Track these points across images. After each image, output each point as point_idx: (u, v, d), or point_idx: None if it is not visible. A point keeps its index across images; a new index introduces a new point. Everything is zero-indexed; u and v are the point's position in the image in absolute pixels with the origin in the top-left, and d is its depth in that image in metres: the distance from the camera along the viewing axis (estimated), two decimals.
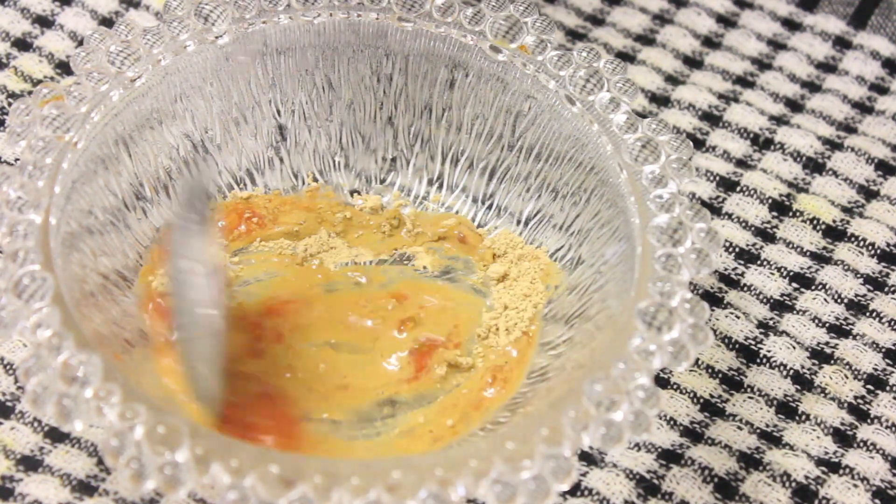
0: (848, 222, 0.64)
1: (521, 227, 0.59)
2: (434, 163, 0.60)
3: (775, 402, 0.58)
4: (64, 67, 0.65)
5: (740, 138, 0.66)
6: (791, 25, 0.71)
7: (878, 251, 0.63)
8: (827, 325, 0.60)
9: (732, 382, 0.58)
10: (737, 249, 0.62)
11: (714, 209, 0.63)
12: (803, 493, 0.55)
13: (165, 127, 0.56)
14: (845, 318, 0.61)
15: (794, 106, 0.67)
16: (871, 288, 0.62)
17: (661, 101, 0.67)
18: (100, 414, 0.45)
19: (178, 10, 0.55)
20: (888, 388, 0.59)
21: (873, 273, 0.62)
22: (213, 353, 0.51)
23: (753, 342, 0.59)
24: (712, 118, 0.66)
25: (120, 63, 0.54)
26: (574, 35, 0.69)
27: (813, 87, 0.68)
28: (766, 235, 0.63)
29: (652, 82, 0.68)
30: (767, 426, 0.57)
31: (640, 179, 0.53)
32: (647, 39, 0.69)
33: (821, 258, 0.62)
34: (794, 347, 0.59)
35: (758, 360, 0.59)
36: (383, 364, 0.55)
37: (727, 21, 0.70)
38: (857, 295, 0.61)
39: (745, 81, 0.68)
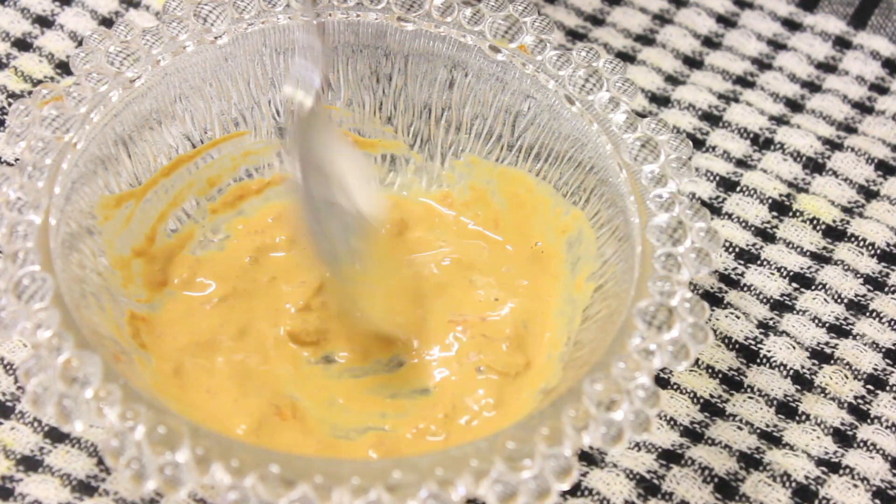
0: (848, 222, 0.64)
1: None
2: (433, 162, 0.60)
3: (775, 402, 0.58)
4: (64, 67, 0.65)
5: (740, 138, 0.66)
6: (791, 25, 0.71)
7: (878, 251, 0.63)
8: (827, 325, 0.60)
9: (732, 382, 0.58)
10: (737, 249, 0.62)
11: (714, 209, 0.63)
12: (803, 494, 0.55)
13: (165, 127, 0.56)
14: (845, 318, 0.61)
15: (794, 106, 0.67)
16: (871, 288, 0.62)
17: (661, 101, 0.67)
18: (100, 414, 0.45)
19: (177, 11, 0.55)
20: (888, 388, 0.59)
21: (873, 273, 0.62)
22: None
23: (753, 342, 0.59)
24: (712, 118, 0.67)
25: (119, 63, 0.54)
26: (574, 35, 0.69)
27: (813, 87, 0.68)
28: (766, 235, 0.63)
29: (652, 82, 0.68)
30: (767, 426, 0.57)
31: (640, 179, 0.53)
32: (647, 39, 0.69)
33: (821, 258, 0.62)
34: (794, 347, 0.59)
35: (758, 360, 0.59)
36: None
37: (727, 21, 0.70)
38: (857, 295, 0.61)
39: (745, 81, 0.68)
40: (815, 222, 0.63)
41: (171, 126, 0.56)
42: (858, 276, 0.62)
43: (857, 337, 0.60)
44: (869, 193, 0.65)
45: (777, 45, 0.70)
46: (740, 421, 0.57)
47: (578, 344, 0.54)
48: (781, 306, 0.61)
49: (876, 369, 0.59)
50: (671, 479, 0.55)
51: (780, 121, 0.67)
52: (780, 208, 0.64)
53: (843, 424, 0.57)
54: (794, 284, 0.61)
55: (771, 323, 0.60)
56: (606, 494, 0.55)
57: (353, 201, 0.54)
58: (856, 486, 0.56)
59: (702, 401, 0.58)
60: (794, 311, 0.61)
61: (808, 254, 0.62)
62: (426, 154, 0.60)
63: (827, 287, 0.61)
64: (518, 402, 0.54)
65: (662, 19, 0.70)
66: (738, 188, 0.64)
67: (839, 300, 0.61)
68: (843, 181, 0.65)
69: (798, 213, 0.64)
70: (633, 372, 0.47)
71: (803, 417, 0.58)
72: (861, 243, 0.63)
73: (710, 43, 0.70)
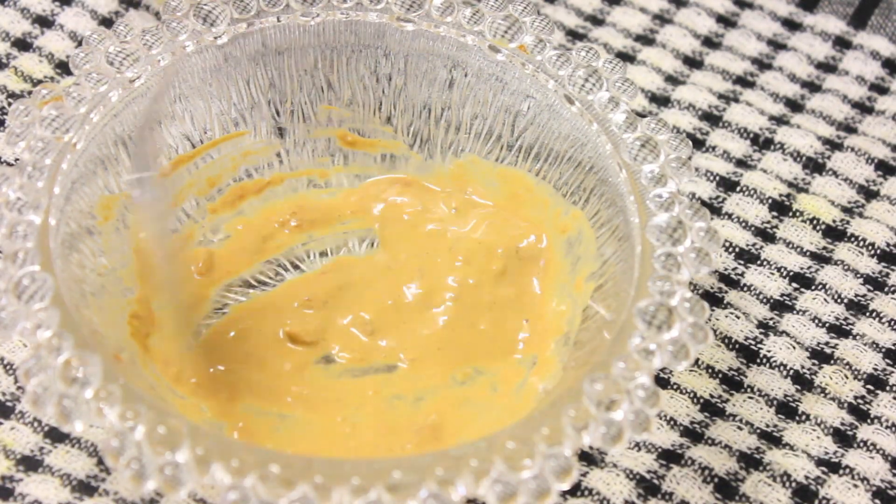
0: (848, 222, 0.64)
1: None
2: (433, 162, 0.60)
3: (775, 402, 0.58)
4: (64, 67, 0.65)
5: (740, 138, 0.66)
6: (791, 25, 0.71)
7: (878, 251, 0.63)
8: (827, 325, 0.60)
9: (732, 382, 0.58)
10: (737, 249, 0.62)
11: (714, 209, 0.63)
12: (803, 493, 0.55)
13: (164, 127, 0.56)
14: (845, 318, 0.61)
15: (794, 106, 0.67)
16: (871, 288, 0.62)
17: (660, 101, 0.67)
18: (100, 414, 0.45)
19: (177, 11, 0.55)
20: (888, 388, 0.59)
21: (873, 273, 0.62)
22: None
23: (753, 342, 0.59)
24: (712, 118, 0.66)
25: (119, 63, 0.54)
26: (574, 35, 0.69)
27: (813, 87, 0.68)
28: (766, 235, 0.63)
29: (652, 82, 0.68)
30: (767, 426, 0.57)
31: (640, 178, 0.53)
32: (647, 39, 0.69)
33: (821, 258, 0.62)
34: (794, 347, 0.59)
35: (758, 360, 0.59)
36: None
37: (727, 21, 0.70)
38: (857, 295, 0.61)
39: (745, 81, 0.68)
40: (815, 222, 0.63)
41: (171, 126, 0.56)
42: (858, 276, 0.62)
43: (857, 337, 0.60)
44: (869, 193, 0.65)
45: (777, 45, 0.70)
46: (740, 421, 0.57)
47: (578, 344, 0.53)
48: (781, 306, 0.61)
49: (876, 369, 0.59)
50: (671, 479, 0.55)
51: (779, 121, 0.67)
52: (780, 208, 0.64)
53: (843, 424, 0.57)
54: (794, 284, 0.61)
55: (771, 323, 0.60)
56: (606, 494, 0.55)
57: None
58: (856, 486, 0.56)
59: (702, 401, 0.58)
60: (794, 311, 0.61)
61: (808, 254, 0.62)
62: (426, 154, 0.60)
63: (827, 287, 0.61)
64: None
65: (662, 19, 0.70)
66: (738, 188, 0.64)
67: (839, 300, 0.61)
68: (843, 181, 0.65)
69: (798, 213, 0.64)
70: (633, 372, 0.47)
71: (803, 417, 0.58)
72: (861, 243, 0.63)
73: (710, 43, 0.70)
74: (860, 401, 0.58)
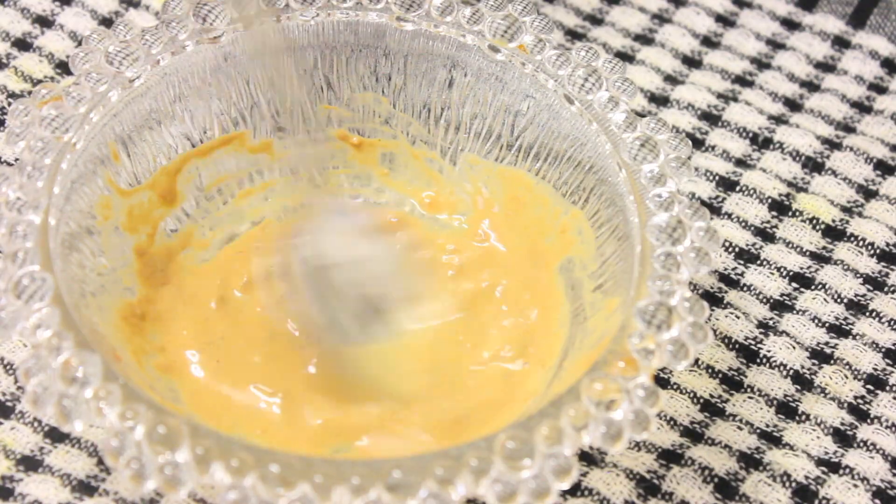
0: (847, 222, 0.64)
1: None
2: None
3: (775, 402, 0.58)
4: (64, 67, 0.65)
5: (739, 138, 0.66)
6: (790, 25, 0.71)
7: (878, 251, 0.63)
8: (827, 325, 0.60)
9: (732, 382, 0.58)
10: (736, 249, 0.62)
11: (714, 209, 0.63)
12: (803, 493, 0.55)
13: (164, 127, 0.56)
14: (845, 318, 0.61)
15: (793, 105, 0.67)
16: (870, 288, 0.62)
17: (660, 100, 0.67)
18: (100, 414, 0.45)
19: (176, 10, 0.55)
20: (888, 388, 0.59)
21: (873, 273, 0.62)
22: None
23: (753, 342, 0.59)
24: (711, 118, 0.67)
25: (119, 63, 0.54)
26: (573, 35, 0.69)
27: (812, 86, 0.68)
28: (766, 235, 0.63)
29: (651, 82, 0.68)
30: (767, 426, 0.57)
31: (639, 178, 0.53)
32: (646, 39, 0.69)
33: (820, 258, 0.62)
34: (794, 347, 0.59)
35: (758, 360, 0.59)
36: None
37: (726, 21, 0.71)
38: (856, 295, 0.61)
39: (744, 81, 0.68)
40: (814, 222, 0.63)
41: (171, 126, 0.56)
42: (858, 275, 0.62)
43: (857, 337, 0.60)
44: (868, 193, 0.65)
45: (776, 45, 0.70)
46: (740, 421, 0.57)
47: (578, 343, 0.54)
48: (781, 306, 0.61)
49: (876, 369, 0.59)
50: (671, 479, 0.55)
51: (779, 120, 0.67)
52: (780, 208, 0.64)
53: (843, 424, 0.57)
54: (794, 284, 0.61)
55: (771, 323, 0.60)
56: (606, 494, 0.55)
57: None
58: (856, 486, 0.56)
59: (702, 401, 0.58)
60: (794, 311, 0.61)
61: (807, 253, 0.62)
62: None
63: (827, 287, 0.61)
64: None
65: (661, 19, 0.70)
66: (738, 188, 0.64)
67: (839, 300, 0.61)
68: (843, 181, 0.65)
69: (797, 213, 0.64)
70: (632, 371, 0.47)
71: (803, 417, 0.58)
72: (860, 243, 0.63)
73: (709, 42, 0.70)
74: (860, 401, 0.58)
